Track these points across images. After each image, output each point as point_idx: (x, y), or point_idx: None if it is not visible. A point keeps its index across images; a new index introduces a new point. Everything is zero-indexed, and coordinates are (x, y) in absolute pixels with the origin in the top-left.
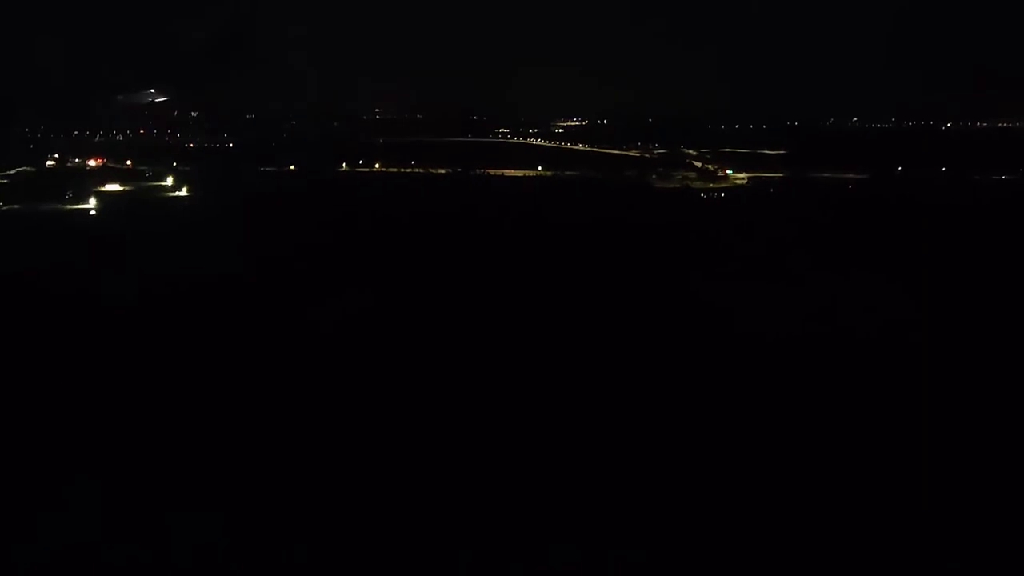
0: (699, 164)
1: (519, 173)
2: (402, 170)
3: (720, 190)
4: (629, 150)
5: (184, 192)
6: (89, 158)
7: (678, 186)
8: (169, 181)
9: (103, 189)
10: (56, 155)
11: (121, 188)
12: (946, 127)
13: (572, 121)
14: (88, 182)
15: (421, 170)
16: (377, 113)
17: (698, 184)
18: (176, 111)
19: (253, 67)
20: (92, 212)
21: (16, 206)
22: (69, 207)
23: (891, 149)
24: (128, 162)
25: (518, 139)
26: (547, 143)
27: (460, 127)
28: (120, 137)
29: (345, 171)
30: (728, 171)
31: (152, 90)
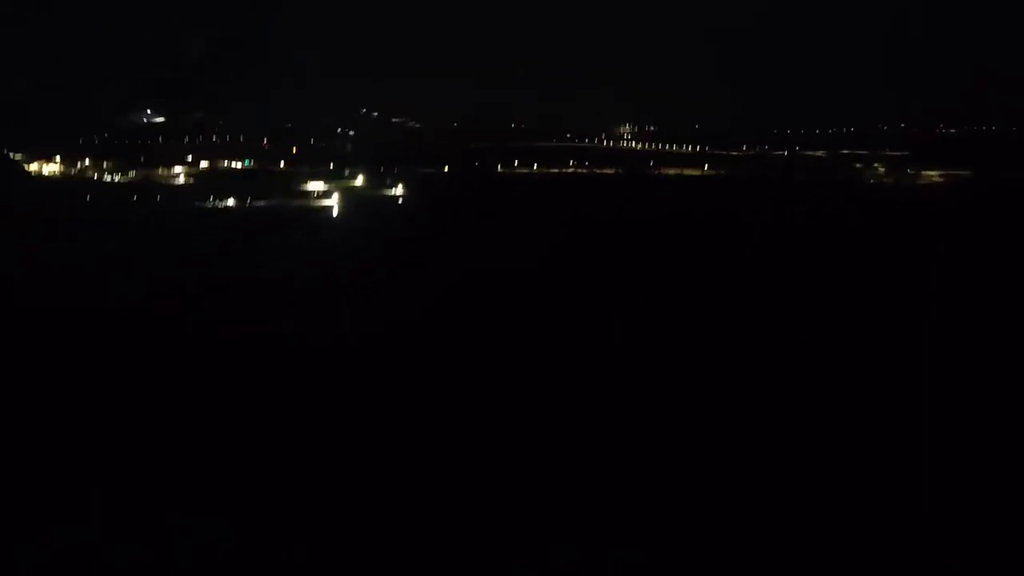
0: (858, 164)
1: (695, 171)
2: (564, 171)
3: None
4: (749, 151)
5: (399, 191)
6: (235, 160)
7: (892, 180)
8: (361, 180)
9: (310, 188)
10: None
11: (325, 187)
12: None
13: (623, 128)
14: (290, 181)
15: (585, 171)
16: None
17: (900, 179)
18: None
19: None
20: (335, 209)
21: (261, 202)
22: (315, 204)
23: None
24: (282, 163)
25: (611, 143)
26: (649, 147)
27: (540, 134)
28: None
29: (503, 172)
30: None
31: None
